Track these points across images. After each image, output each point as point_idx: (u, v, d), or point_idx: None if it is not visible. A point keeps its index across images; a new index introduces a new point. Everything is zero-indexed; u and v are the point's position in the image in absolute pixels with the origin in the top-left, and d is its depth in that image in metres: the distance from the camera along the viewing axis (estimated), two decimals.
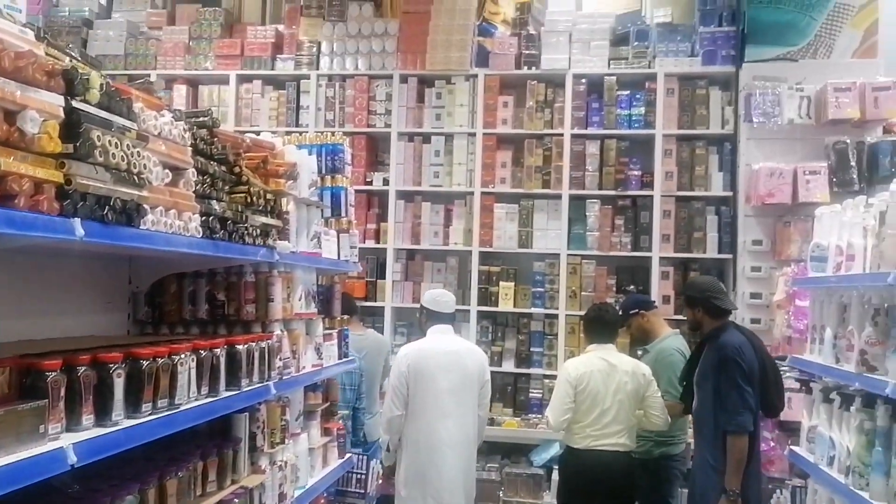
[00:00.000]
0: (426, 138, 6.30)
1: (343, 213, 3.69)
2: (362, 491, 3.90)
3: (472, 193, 6.18)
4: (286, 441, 2.92)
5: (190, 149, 2.15)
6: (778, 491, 3.88)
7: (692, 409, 4.23)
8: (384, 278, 6.25)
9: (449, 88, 6.29)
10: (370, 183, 6.36)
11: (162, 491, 2.07)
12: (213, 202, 2.28)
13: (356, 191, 6.26)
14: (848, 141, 5.37)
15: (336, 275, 3.77)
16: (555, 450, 5.51)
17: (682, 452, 4.69)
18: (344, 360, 3.73)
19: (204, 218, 2.19)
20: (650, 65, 6.04)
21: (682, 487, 4.92)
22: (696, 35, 5.96)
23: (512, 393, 6.13)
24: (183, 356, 2.04)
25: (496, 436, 5.82)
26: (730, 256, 5.78)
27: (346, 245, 3.68)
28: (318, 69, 6.41)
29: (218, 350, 2.29)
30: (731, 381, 3.83)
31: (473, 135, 6.20)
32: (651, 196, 5.95)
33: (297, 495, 3.03)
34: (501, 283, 6.13)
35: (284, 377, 2.84)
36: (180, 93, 6.37)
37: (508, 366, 6.10)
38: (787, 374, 5.08)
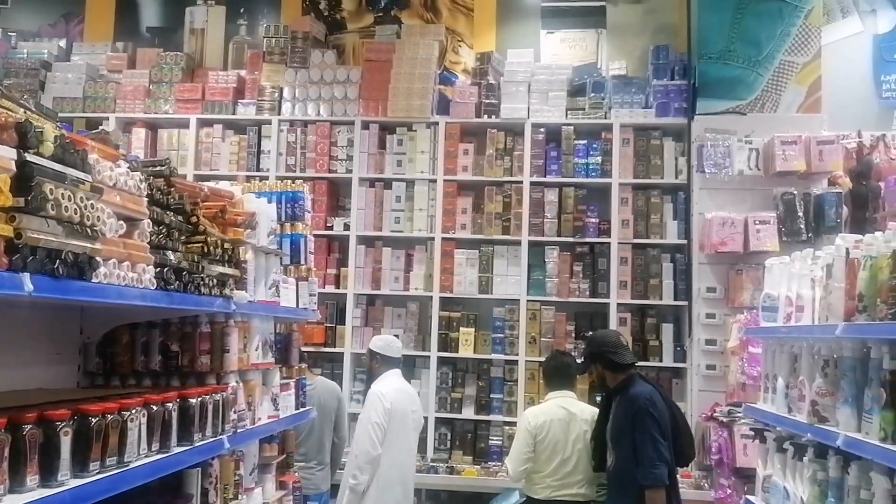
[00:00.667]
0: (387, 184, 6.33)
1: (302, 261, 3.68)
2: None
3: (432, 239, 6.21)
4: (239, 496, 2.85)
5: (146, 199, 2.13)
6: None
7: (607, 467, 4.13)
8: (344, 324, 6.22)
9: (410, 135, 6.35)
10: (331, 228, 6.35)
11: None
12: (169, 253, 2.26)
13: (316, 235, 6.29)
14: (795, 192, 5.54)
15: (294, 323, 3.73)
16: (515, 499, 5.43)
17: None
18: (302, 409, 3.67)
19: (159, 269, 2.16)
20: (606, 115, 6.18)
21: None
22: (649, 87, 6.14)
23: (472, 440, 6.09)
24: (133, 412, 1.99)
25: (456, 484, 5.78)
26: (685, 303, 5.88)
27: (304, 293, 3.65)
28: (279, 114, 6.43)
29: (170, 404, 2.24)
30: (646, 434, 3.80)
31: (434, 181, 6.26)
32: (608, 243, 6.05)
33: None
34: (462, 328, 6.13)
35: (239, 430, 2.78)
36: (139, 136, 6.32)
37: (468, 412, 6.07)
38: (742, 420, 5.16)
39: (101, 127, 5.19)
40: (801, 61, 5.92)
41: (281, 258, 3.43)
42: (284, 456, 3.57)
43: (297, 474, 4.29)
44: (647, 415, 3.83)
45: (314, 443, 4.75)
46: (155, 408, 2.15)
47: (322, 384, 4.97)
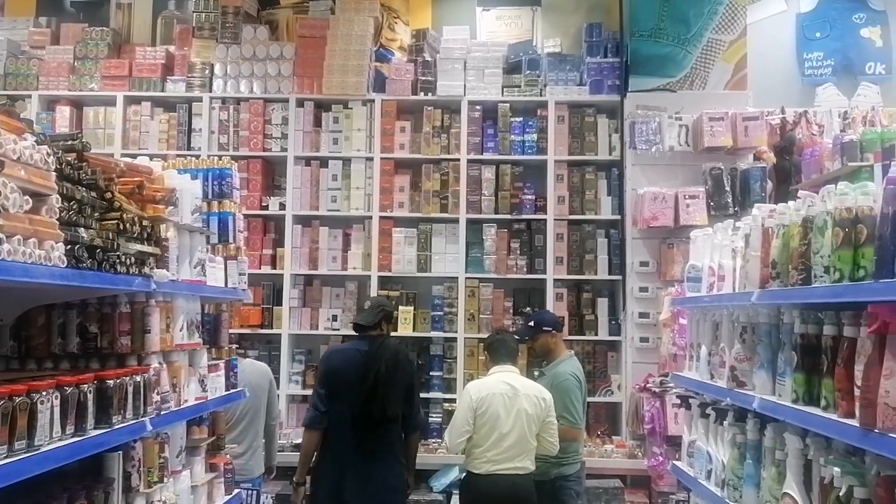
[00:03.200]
0: (323, 162, 6.26)
1: (231, 240, 3.60)
2: None
3: (370, 218, 6.17)
4: (165, 480, 2.79)
5: (54, 174, 2.05)
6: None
7: None
8: (281, 305, 6.15)
9: (346, 113, 6.28)
10: (266, 207, 6.26)
11: None
12: (81, 230, 2.18)
13: (251, 216, 6.22)
14: (722, 167, 5.68)
15: (224, 303, 3.66)
16: (454, 474, 5.51)
17: (576, 472, 4.77)
18: (232, 391, 3.62)
19: (70, 246, 2.08)
20: (541, 93, 6.21)
21: None
22: (583, 65, 6.18)
23: None
24: (44, 394, 1.93)
25: None
26: (619, 277, 5.98)
27: (234, 272, 3.58)
28: (210, 91, 6.28)
29: (86, 386, 2.17)
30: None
31: (371, 159, 6.21)
32: (545, 220, 6.10)
33: None
34: (400, 307, 6.11)
35: (163, 412, 2.73)
36: (63, 114, 6.11)
37: None
38: (674, 390, 5.29)
39: (5, 101, 5.00)
40: (728, 39, 6.04)
41: (207, 237, 3.35)
42: (214, 438, 3.51)
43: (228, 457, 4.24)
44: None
45: (246, 426, 4.69)
46: (69, 389, 2.09)
47: (251, 366, 4.91)
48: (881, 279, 1.79)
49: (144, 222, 2.60)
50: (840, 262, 2.01)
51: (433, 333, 6.09)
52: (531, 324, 4.95)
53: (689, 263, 3.49)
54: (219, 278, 3.41)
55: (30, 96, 6.14)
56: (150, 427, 2.57)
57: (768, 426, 2.65)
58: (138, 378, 2.53)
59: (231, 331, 5.79)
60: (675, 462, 3.88)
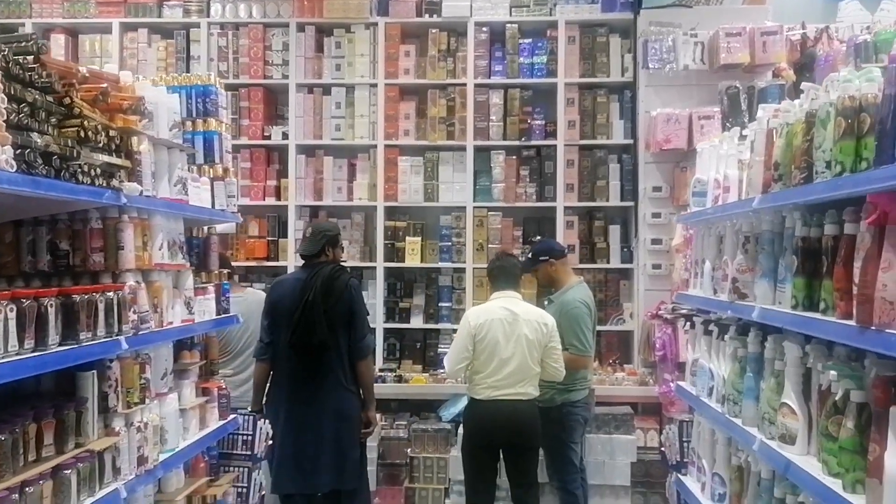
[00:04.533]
0: (326, 90, 6.08)
1: (217, 160, 3.49)
2: (249, 452, 3.75)
3: (375, 146, 6.01)
4: (147, 401, 2.74)
5: None
6: (666, 427, 3.93)
7: None
8: (286, 237, 6.06)
9: (349, 37, 6.08)
10: (269, 137, 6.12)
11: None
12: (34, 135, 2.06)
13: (254, 146, 6.11)
14: (739, 86, 5.40)
15: (211, 226, 3.56)
16: (463, 404, 5.45)
17: (584, 398, 4.70)
18: (224, 315, 3.55)
19: (20, 151, 1.98)
20: (551, 12, 5.95)
21: (586, 433, 4.96)
22: None
23: (421, 349, 6.05)
24: None
25: (405, 393, 5.75)
26: (632, 204, 5.80)
27: (221, 194, 3.47)
28: (208, 17, 6.09)
29: (46, 300, 2.09)
30: None
31: (375, 85, 6.02)
32: (555, 145, 5.91)
33: (163, 458, 2.85)
34: (408, 238, 6.01)
35: (141, 332, 2.65)
36: (58, 43, 5.96)
37: (417, 322, 6.01)
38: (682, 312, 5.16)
39: None
40: None
41: (189, 155, 3.23)
42: (205, 362, 3.46)
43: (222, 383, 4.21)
44: None
45: (249, 356, 4.66)
46: (26, 302, 2.00)
47: (254, 296, 4.86)
48: (881, 166, 1.62)
49: (112, 133, 2.47)
50: (842, 154, 1.84)
51: (441, 264, 5.99)
52: (529, 255, 4.83)
53: (695, 178, 3.32)
54: (204, 199, 3.31)
55: (23, 24, 6.00)
56: (125, 345, 2.50)
57: (769, 337, 2.52)
58: (111, 295, 2.45)
59: (236, 263, 5.86)
60: (679, 383, 3.78)
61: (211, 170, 3.46)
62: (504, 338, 4.22)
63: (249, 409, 4.26)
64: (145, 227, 2.75)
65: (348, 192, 6.08)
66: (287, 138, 6.06)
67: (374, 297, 5.94)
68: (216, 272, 3.53)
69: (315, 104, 6.09)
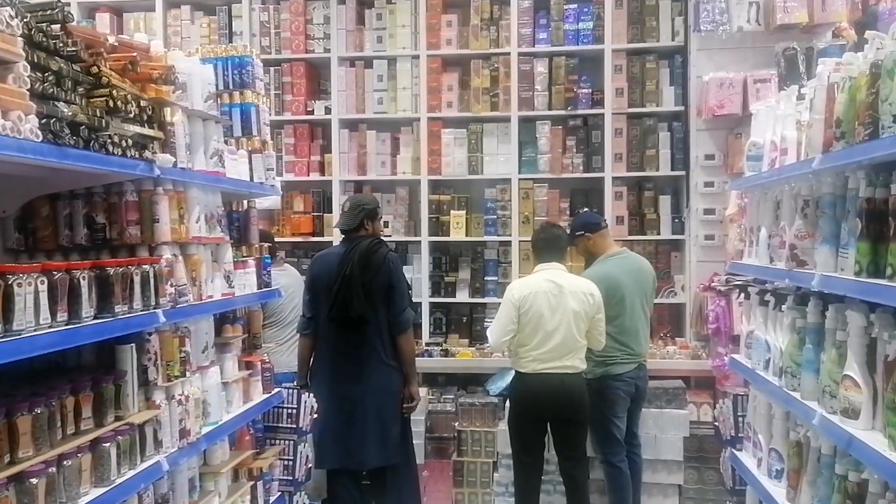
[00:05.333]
0: (368, 63, 6.00)
1: (255, 132, 3.44)
2: (294, 426, 3.74)
3: (418, 119, 5.92)
4: (188, 374, 2.72)
5: (20, 39, 1.89)
6: (720, 401, 3.78)
7: None
8: (331, 212, 6.02)
9: (390, 8, 5.97)
10: (311, 112, 6.08)
11: (12, 429, 1.87)
12: (61, 104, 2.03)
13: (297, 121, 6.08)
14: (797, 47, 5.12)
15: (251, 199, 3.53)
16: (509, 378, 5.36)
17: (628, 372, 4.55)
18: (265, 289, 3.52)
19: (45, 120, 1.94)
20: None
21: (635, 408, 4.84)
22: None
23: (467, 324, 5.99)
24: (23, 276, 1.82)
25: (452, 367, 5.71)
26: (683, 173, 5.61)
27: (259, 167, 3.43)
28: None
29: (78, 272, 2.06)
30: None
31: (417, 57, 5.91)
32: (602, 114, 5.73)
33: (205, 432, 2.85)
34: (452, 212, 5.92)
35: (179, 305, 2.63)
36: (103, 21, 5.99)
37: (463, 296, 5.93)
38: (736, 283, 4.98)
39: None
40: None
41: (226, 127, 3.19)
42: (248, 336, 3.44)
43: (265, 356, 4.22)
44: None
45: (285, 328, 4.67)
46: (57, 275, 1.98)
47: (294, 273, 4.86)
48: None
49: (143, 103, 2.43)
50: None
51: (487, 238, 5.89)
52: (569, 231, 4.70)
53: (750, 141, 3.15)
54: (242, 172, 3.27)
55: (69, 3, 6.02)
56: (162, 319, 2.48)
57: (830, 306, 2.36)
58: (146, 268, 2.43)
59: (281, 239, 5.86)
60: (733, 356, 3.63)
61: (249, 142, 3.41)
62: (549, 310, 4.12)
63: (295, 383, 4.26)
64: (181, 199, 2.72)
65: (392, 166, 6.01)
66: (330, 113, 6.01)
67: (420, 272, 5.89)
68: (257, 246, 3.50)
69: (357, 77, 6.02)
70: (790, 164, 2.64)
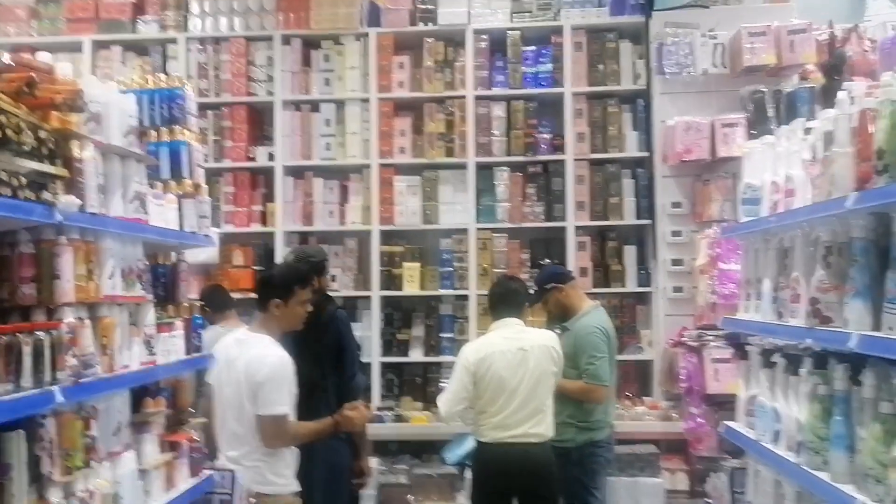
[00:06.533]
0: (315, 106, 5.65)
1: (186, 175, 3.00)
2: None
3: (368, 166, 5.57)
4: (93, 463, 2.22)
5: None
6: (712, 475, 3.41)
7: None
8: None
9: (338, 49, 5.66)
10: (253, 159, 5.68)
11: None
12: None
13: (237, 169, 5.66)
14: (765, 90, 5.02)
15: (179, 251, 3.06)
16: (470, 444, 4.92)
17: (606, 438, 4.19)
18: (196, 355, 3.04)
19: None
20: (556, 17, 5.56)
21: (608, 476, 4.45)
22: None
23: (421, 385, 5.55)
24: None
25: (405, 433, 5.25)
26: (649, 221, 5.36)
27: (191, 213, 2.98)
28: (186, 31, 5.68)
29: None
30: None
31: (367, 100, 5.59)
32: (563, 160, 5.47)
33: None
34: (405, 264, 5.54)
35: (84, 379, 2.15)
36: None
37: (416, 355, 5.51)
38: (713, 344, 4.69)
39: None
40: None
41: (150, 167, 2.75)
42: (171, 412, 2.94)
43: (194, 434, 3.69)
44: None
45: None
46: None
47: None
48: None
49: (42, 134, 1.98)
50: None
51: (442, 291, 5.51)
52: (534, 287, 4.33)
53: (744, 183, 2.85)
54: (169, 219, 2.83)
55: None
56: (60, 398, 1.99)
57: (866, 371, 2.02)
58: (41, 335, 1.95)
59: None
60: (728, 423, 3.26)
61: (179, 186, 2.97)
62: (509, 372, 3.72)
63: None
64: (91, 251, 2.26)
65: (340, 215, 5.63)
66: (273, 159, 5.62)
67: (370, 329, 5.47)
68: (186, 305, 3.02)
69: (303, 122, 5.66)
70: (809, 205, 2.33)
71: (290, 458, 3.20)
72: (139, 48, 5.74)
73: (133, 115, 2.60)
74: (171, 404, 2.97)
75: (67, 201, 2.05)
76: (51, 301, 2.10)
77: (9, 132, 1.83)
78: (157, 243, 2.89)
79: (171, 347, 2.79)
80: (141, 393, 2.82)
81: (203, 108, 5.69)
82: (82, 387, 2.13)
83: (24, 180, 1.89)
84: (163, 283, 2.97)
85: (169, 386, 3.00)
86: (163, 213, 2.74)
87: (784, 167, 2.53)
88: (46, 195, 1.99)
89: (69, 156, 2.14)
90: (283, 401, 3.01)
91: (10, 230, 2.06)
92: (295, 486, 3.19)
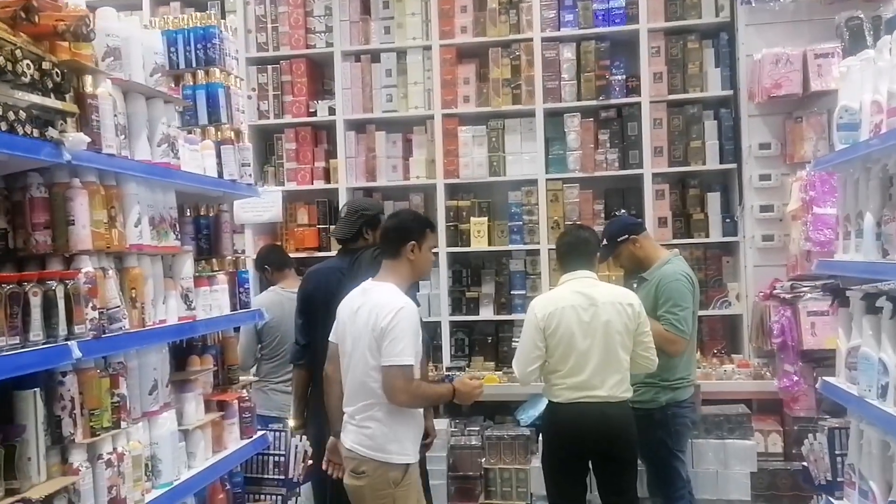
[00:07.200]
0: (375, 56, 5.42)
1: (225, 119, 2.82)
2: (282, 476, 3.07)
3: (432, 117, 5.32)
4: (124, 423, 2.09)
5: None
6: (810, 436, 3.07)
7: None
8: None
9: None
10: (314, 114, 5.50)
11: None
12: None
13: (298, 124, 5.50)
14: (862, 16, 4.47)
15: (218, 201, 2.90)
16: (543, 405, 4.70)
17: (690, 398, 3.88)
18: (242, 311, 2.89)
19: None
20: None
21: (693, 439, 4.15)
22: None
23: (493, 344, 5.33)
24: None
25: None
26: (734, 166, 4.94)
27: (230, 160, 2.81)
28: None
29: None
30: None
31: (429, 48, 5.31)
32: (638, 103, 5.08)
33: (154, 497, 2.21)
34: (472, 218, 5.29)
35: (107, 333, 2.01)
36: None
37: (487, 313, 5.29)
38: (809, 296, 4.31)
39: None
40: None
41: (186, 109, 2.58)
42: (218, 369, 2.81)
43: (261, 392, 3.60)
44: None
45: (285, 355, 4.04)
46: None
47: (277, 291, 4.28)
48: None
49: (45, 65, 1.82)
50: None
51: (512, 247, 5.25)
52: (603, 242, 3.99)
53: (840, 106, 2.47)
54: (207, 166, 2.65)
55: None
56: (77, 353, 1.85)
57: None
58: (53, 284, 1.80)
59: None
60: (825, 378, 2.91)
61: (217, 132, 2.79)
62: (580, 328, 3.44)
63: (291, 424, 3.63)
64: (111, 196, 2.10)
65: (404, 170, 5.41)
66: (334, 114, 5.43)
67: (438, 287, 5.26)
68: (230, 258, 2.87)
69: (363, 73, 5.44)
70: None
71: (414, 427, 3.03)
72: (198, 3, 5.60)
73: (160, 52, 2.42)
74: (218, 361, 2.83)
75: (75, 139, 1.88)
76: (66, 249, 1.95)
77: (7, 62, 1.67)
78: (199, 193, 2.74)
79: (214, 302, 2.64)
80: (186, 350, 2.70)
81: (262, 62, 5.58)
82: (105, 341, 1.99)
83: (22, 115, 1.73)
84: (206, 234, 2.83)
85: (217, 343, 2.87)
86: (198, 159, 2.57)
87: (886, 83, 2.15)
88: (52, 132, 1.83)
89: (81, 91, 1.98)
90: (409, 351, 2.87)
91: (21, 172, 1.92)
92: (412, 459, 2.99)
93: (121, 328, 2.07)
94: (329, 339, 3.15)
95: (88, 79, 2.00)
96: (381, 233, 3.21)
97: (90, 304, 1.94)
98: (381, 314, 2.86)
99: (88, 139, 1.93)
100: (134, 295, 2.17)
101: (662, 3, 5.06)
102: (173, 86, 2.68)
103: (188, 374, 2.57)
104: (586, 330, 3.43)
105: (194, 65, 2.79)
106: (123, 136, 2.16)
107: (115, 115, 2.10)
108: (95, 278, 1.98)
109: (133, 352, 2.20)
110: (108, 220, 2.07)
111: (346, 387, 2.99)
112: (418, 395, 2.96)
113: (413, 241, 3.03)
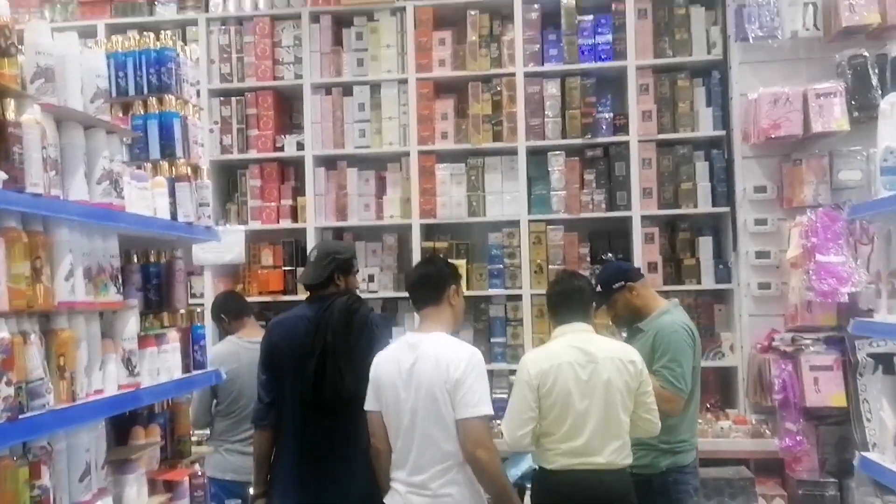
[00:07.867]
0: (347, 89, 5.13)
1: (180, 153, 2.47)
2: None
3: (407, 154, 5.03)
4: None
5: None
6: (814, 498, 2.75)
7: None
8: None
9: (371, 26, 5.13)
10: (281, 149, 5.18)
11: None
12: None
13: (264, 160, 5.17)
14: (867, 54, 4.34)
15: (177, 247, 2.53)
16: (527, 463, 4.34)
17: (692, 462, 3.56)
18: (197, 373, 2.50)
19: None
20: None
21: None
22: None
23: None
24: None
25: None
26: (727, 209, 4.70)
27: (186, 200, 2.45)
28: (207, 12, 5.22)
29: None
30: None
31: (405, 82, 5.04)
32: (626, 142, 4.85)
33: None
34: (450, 261, 4.94)
35: (26, 413, 1.62)
36: None
37: None
38: (811, 348, 4.07)
39: None
40: None
41: (134, 141, 2.22)
42: (163, 444, 2.41)
43: (215, 453, 3.20)
44: None
45: (242, 411, 3.68)
46: None
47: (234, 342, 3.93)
48: None
49: None
50: None
51: (492, 291, 4.94)
52: (598, 288, 3.69)
53: (884, 147, 2.21)
54: (158, 207, 2.29)
55: None
56: None
57: None
58: None
59: (249, 299, 4.88)
60: (864, 455, 2.61)
61: (171, 167, 2.43)
62: (578, 387, 3.11)
63: (252, 493, 3.24)
64: (37, 244, 1.73)
65: (377, 209, 5.10)
66: (303, 149, 5.12)
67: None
68: (183, 312, 2.49)
69: (334, 107, 5.14)
70: None
71: None
72: (157, 31, 5.25)
73: (102, 75, 2.07)
74: (167, 432, 2.44)
75: None
76: None
77: None
78: (148, 237, 2.37)
79: (162, 365, 2.25)
80: (128, 420, 2.30)
81: (226, 93, 5.26)
82: (23, 424, 1.61)
83: None
84: (155, 284, 2.45)
85: (165, 410, 2.47)
86: (147, 198, 2.21)
87: None
88: None
89: (1, 118, 1.62)
90: (486, 399, 2.81)
91: None
92: None
93: (44, 405, 1.69)
94: (366, 408, 2.95)
95: (10, 103, 1.64)
96: (417, 281, 3.11)
97: (4, 379, 1.55)
98: (452, 364, 2.78)
99: (6, 176, 1.56)
100: (62, 363, 1.79)
101: (651, 39, 4.87)
102: (121, 115, 2.32)
103: (129, 450, 2.18)
104: (584, 389, 3.10)
105: (146, 91, 2.45)
106: (55, 173, 1.79)
107: (45, 148, 1.74)
108: (12, 346, 1.60)
109: (60, 433, 1.81)
110: (32, 273, 1.70)
111: (408, 454, 2.84)
112: (497, 456, 2.86)
113: (454, 286, 3.05)
